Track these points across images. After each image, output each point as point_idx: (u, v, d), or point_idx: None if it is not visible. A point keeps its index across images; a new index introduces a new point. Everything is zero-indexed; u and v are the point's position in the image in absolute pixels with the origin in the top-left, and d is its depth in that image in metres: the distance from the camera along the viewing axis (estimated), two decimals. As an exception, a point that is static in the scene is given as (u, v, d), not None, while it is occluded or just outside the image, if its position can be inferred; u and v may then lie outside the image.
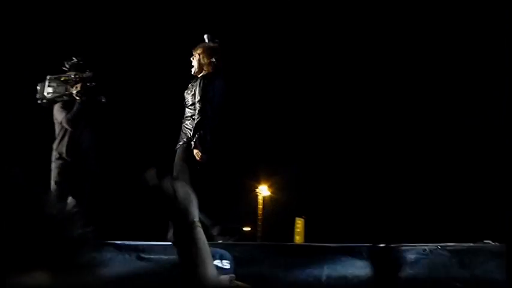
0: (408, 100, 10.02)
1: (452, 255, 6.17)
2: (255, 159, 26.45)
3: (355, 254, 6.24)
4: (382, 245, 6.38)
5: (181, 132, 7.14)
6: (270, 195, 32.01)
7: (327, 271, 6.14)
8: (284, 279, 6.06)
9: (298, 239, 20.11)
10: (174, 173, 6.86)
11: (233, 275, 3.86)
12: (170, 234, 6.97)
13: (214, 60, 7.17)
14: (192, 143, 6.93)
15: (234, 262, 4.13)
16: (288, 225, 23.23)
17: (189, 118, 7.07)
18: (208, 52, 7.19)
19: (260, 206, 31.54)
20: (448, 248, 6.23)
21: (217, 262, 3.62)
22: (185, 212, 2.16)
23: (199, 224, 2.21)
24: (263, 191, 31.83)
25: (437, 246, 6.22)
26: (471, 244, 6.44)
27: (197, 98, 6.99)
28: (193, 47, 7.26)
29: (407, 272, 6.15)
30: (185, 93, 7.28)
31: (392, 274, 6.15)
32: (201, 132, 6.89)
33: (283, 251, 6.69)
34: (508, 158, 8.98)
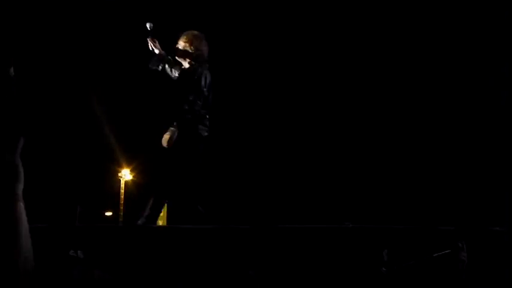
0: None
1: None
2: (117, 144, 25.99)
3: (222, 236, 6.29)
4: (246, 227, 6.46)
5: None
6: (132, 179, 31.65)
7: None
8: (142, 261, 6.02)
9: (161, 223, 19.99)
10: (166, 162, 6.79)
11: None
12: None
13: (203, 49, 7.13)
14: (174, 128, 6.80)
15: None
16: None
17: (174, 107, 7.01)
18: (196, 41, 7.11)
19: (122, 191, 31.12)
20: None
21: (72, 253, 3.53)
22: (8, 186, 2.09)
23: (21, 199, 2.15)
24: (126, 175, 31.43)
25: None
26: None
27: (187, 89, 6.95)
28: (182, 32, 7.11)
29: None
30: (170, 70, 7.19)
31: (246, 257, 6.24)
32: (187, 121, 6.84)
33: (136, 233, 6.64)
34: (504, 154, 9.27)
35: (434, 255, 6.54)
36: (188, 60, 7.13)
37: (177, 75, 7.10)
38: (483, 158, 9.33)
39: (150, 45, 7.20)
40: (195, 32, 7.20)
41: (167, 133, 6.86)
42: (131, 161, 30.71)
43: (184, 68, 7.13)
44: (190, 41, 7.12)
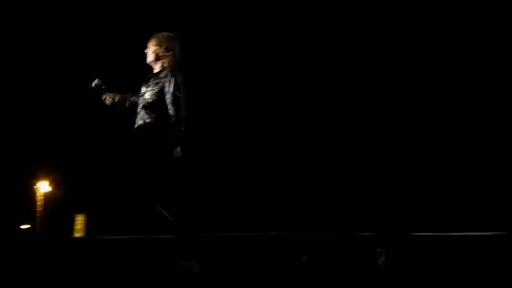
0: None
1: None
2: (34, 156, 25.43)
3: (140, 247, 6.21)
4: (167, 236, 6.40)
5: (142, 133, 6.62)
6: (51, 191, 30.97)
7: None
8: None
9: (78, 236, 19.60)
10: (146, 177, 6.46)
11: None
12: None
13: (176, 51, 6.73)
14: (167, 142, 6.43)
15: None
16: (69, 222, 22.58)
17: (148, 116, 6.59)
18: (167, 43, 6.73)
19: (39, 203, 30.42)
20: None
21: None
22: None
23: None
24: (43, 187, 30.70)
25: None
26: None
27: (169, 96, 6.51)
28: (149, 37, 6.71)
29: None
30: (144, 88, 6.74)
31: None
32: (179, 129, 6.45)
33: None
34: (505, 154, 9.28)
35: (350, 261, 6.62)
36: (160, 63, 6.77)
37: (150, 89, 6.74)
38: (404, 165, 9.50)
39: (108, 102, 6.92)
40: (166, 33, 6.85)
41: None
42: (50, 172, 30.09)
43: (156, 75, 6.76)
44: (160, 43, 6.77)
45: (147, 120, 6.62)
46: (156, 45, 6.76)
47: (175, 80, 6.53)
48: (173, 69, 6.65)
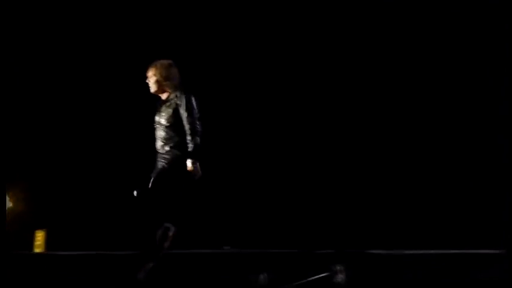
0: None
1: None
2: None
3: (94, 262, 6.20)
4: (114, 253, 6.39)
5: (162, 158, 6.78)
6: (11, 207, 30.50)
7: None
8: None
9: (39, 251, 19.34)
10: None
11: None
12: None
13: (172, 74, 6.93)
14: (190, 161, 6.56)
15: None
16: (29, 238, 22.24)
17: (169, 140, 6.76)
18: (164, 70, 6.92)
19: None
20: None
21: None
22: None
23: None
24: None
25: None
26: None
27: (185, 115, 6.72)
28: (147, 68, 6.93)
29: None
30: (157, 117, 6.94)
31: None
32: (198, 145, 6.62)
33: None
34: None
35: (311, 278, 6.68)
36: (164, 91, 7.04)
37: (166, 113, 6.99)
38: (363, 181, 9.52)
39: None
40: (161, 61, 7.13)
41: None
42: (10, 187, 29.61)
43: (165, 101, 7.04)
44: (157, 72, 7.00)
45: (171, 145, 6.87)
46: (154, 75, 7.05)
47: (185, 97, 6.83)
48: (179, 91, 6.93)
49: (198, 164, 6.66)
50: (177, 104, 6.89)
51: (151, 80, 7.06)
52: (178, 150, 6.80)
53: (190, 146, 6.68)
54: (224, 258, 6.59)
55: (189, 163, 6.59)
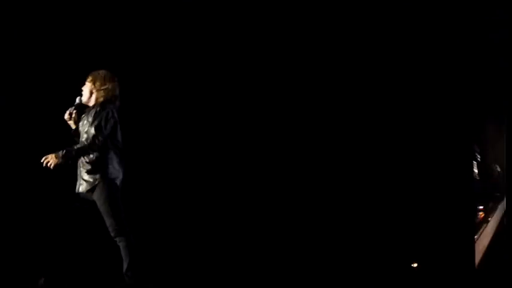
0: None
1: None
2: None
3: None
4: None
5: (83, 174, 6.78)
6: None
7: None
8: None
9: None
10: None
11: None
12: None
13: (108, 87, 6.95)
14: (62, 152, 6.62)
15: None
16: None
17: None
18: (100, 80, 6.96)
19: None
20: None
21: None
22: None
23: None
24: None
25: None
26: None
27: (92, 125, 6.75)
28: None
29: None
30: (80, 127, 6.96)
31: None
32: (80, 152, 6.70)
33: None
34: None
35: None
36: (93, 100, 6.99)
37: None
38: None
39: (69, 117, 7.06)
40: (100, 72, 7.04)
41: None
42: None
43: (89, 109, 6.99)
44: (93, 81, 7.01)
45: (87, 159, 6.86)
46: (89, 82, 6.99)
47: (105, 112, 6.80)
48: (102, 106, 6.89)
49: (60, 160, 6.63)
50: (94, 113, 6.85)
51: (87, 86, 7.05)
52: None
53: (78, 146, 6.71)
54: None
55: (60, 153, 6.60)
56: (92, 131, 6.74)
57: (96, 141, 6.69)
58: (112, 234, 6.63)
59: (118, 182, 6.80)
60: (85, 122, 6.91)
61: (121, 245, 6.62)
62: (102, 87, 6.96)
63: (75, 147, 6.72)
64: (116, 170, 6.80)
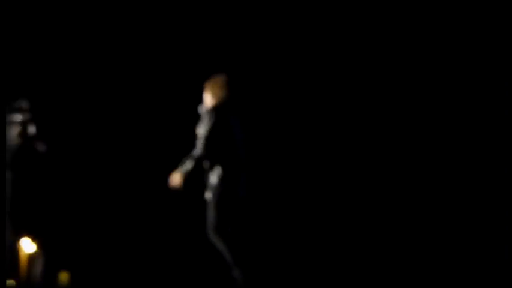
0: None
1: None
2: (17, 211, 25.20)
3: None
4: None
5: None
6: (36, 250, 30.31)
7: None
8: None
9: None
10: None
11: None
12: None
13: (221, 92, 7.32)
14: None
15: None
16: (53, 280, 22.14)
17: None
18: (215, 86, 7.36)
19: (23, 261, 29.83)
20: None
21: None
22: None
23: None
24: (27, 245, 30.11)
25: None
26: None
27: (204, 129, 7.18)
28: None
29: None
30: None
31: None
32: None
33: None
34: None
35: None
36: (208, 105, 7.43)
37: None
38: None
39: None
40: (213, 78, 7.45)
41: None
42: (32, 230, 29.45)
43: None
44: (210, 88, 7.47)
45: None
46: (207, 88, 7.38)
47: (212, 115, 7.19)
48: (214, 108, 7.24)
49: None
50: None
51: (207, 94, 7.38)
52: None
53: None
54: None
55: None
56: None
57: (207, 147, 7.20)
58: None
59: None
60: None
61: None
62: (216, 94, 7.34)
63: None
64: None
